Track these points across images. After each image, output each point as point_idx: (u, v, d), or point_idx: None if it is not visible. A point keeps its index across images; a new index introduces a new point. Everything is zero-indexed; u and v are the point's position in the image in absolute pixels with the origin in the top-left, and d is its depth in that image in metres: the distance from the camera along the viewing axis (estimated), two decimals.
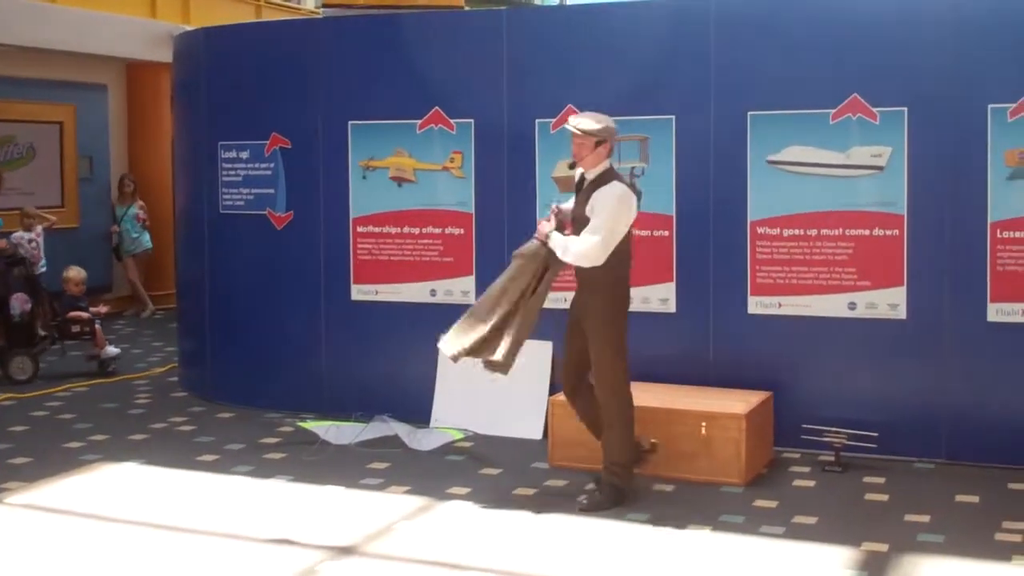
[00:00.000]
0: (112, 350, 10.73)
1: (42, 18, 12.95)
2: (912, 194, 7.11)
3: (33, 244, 12.19)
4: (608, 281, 6.30)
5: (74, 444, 7.87)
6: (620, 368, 6.35)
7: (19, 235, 12.15)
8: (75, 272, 10.78)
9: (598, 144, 6.29)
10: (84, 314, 10.54)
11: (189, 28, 12.49)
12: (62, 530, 6.06)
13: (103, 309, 11.05)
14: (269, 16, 16.61)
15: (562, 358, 6.67)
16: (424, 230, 8.28)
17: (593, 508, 6.25)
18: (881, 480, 6.77)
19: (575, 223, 6.39)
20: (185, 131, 9.73)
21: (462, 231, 8.19)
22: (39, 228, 12.44)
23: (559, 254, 6.28)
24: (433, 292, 8.25)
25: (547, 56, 7.97)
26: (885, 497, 6.46)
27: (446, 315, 8.08)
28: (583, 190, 6.39)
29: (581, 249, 6.22)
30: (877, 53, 7.17)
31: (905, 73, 7.13)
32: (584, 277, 6.37)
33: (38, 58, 13.40)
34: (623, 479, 6.39)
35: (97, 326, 10.58)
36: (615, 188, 6.25)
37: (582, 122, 6.32)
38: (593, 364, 6.37)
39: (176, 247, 10.43)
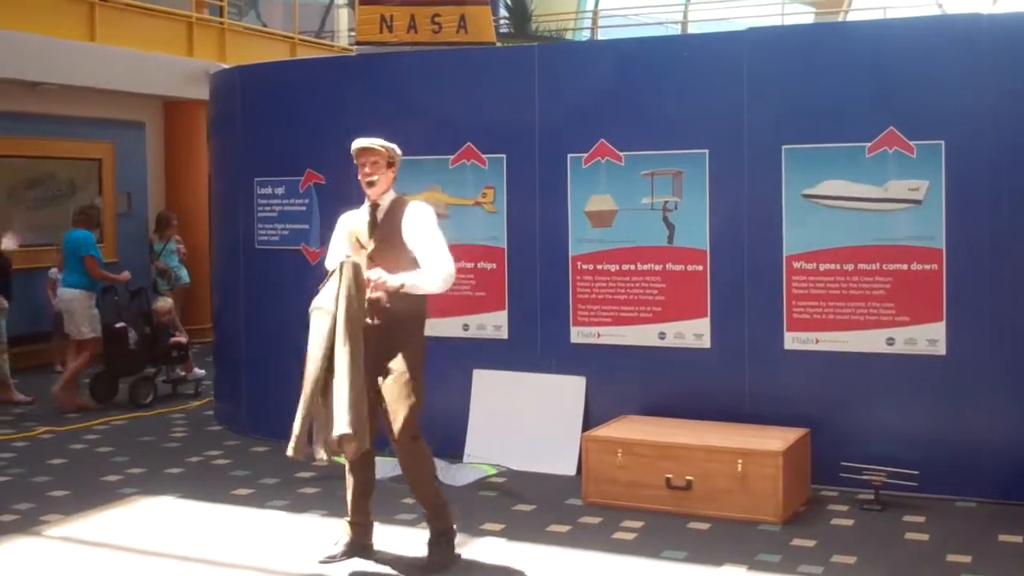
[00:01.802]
0: (199, 372, 11.54)
1: (81, 57, 13.12)
2: (950, 228, 7.05)
3: None
4: (421, 318, 5.93)
5: (112, 477, 7.90)
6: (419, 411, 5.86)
7: (55, 271, 12.23)
8: (162, 303, 11.52)
9: (389, 165, 5.88)
10: (183, 340, 11.28)
11: (225, 66, 12.59)
12: (99, 563, 6.08)
13: (184, 337, 11.57)
14: (303, 54, 16.75)
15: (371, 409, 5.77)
16: (456, 265, 8.23)
17: (436, 567, 5.84)
18: (921, 519, 6.68)
19: (382, 261, 5.77)
20: (221, 167, 9.80)
21: (494, 266, 8.19)
22: None
23: (422, 286, 5.71)
24: (466, 327, 8.24)
25: (579, 91, 7.98)
26: (926, 537, 6.38)
27: (479, 349, 8.12)
28: (380, 224, 5.85)
29: (444, 272, 5.73)
30: (914, 86, 7.13)
31: (942, 106, 7.08)
32: (396, 316, 5.75)
33: (77, 96, 13.57)
34: (450, 518, 5.98)
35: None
36: (425, 207, 5.89)
37: (375, 139, 5.88)
38: (395, 417, 5.77)
39: (212, 282, 10.49)
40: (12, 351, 11.00)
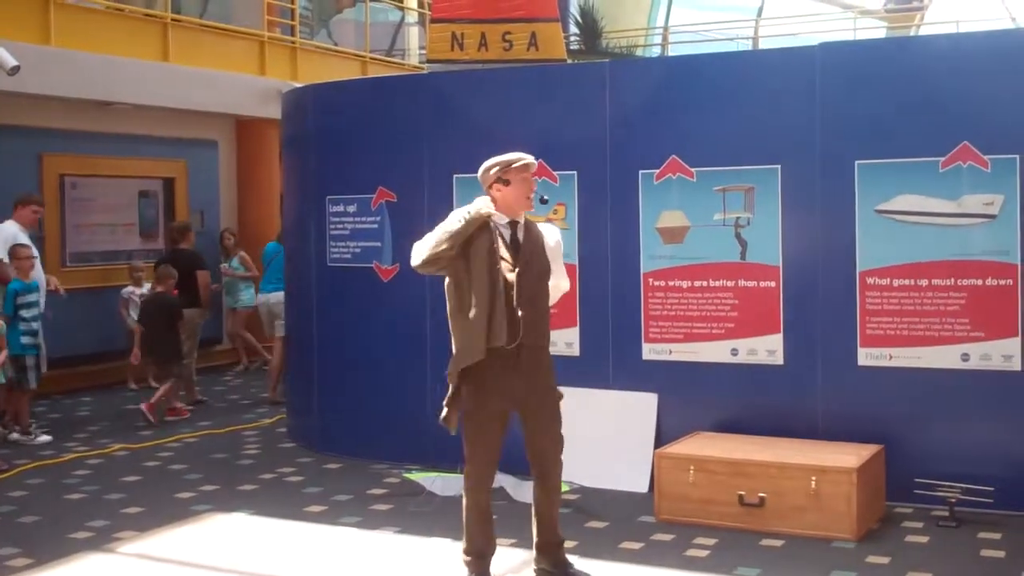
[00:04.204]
0: None
1: (154, 77, 13.26)
2: None
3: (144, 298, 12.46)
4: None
5: (185, 494, 7.98)
6: None
7: (129, 290, 12.43)
8: None
9: None
10: None
11: (297, 85, 12.72)
12: None
13: None
14: (374, 72, 16.86)
15: (488, 458, 5.81)
16: None
17: None
18: (997, 536, 6.58)
19: (527, 277, 5.69)
20: (293, 186, 9.90)
21: None
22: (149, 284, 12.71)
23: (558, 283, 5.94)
24: None
25: (650, 107, 7.98)
26: (1002, 553, 6.29)
27: None
28: (523, 242, 5.74)
29: (566, 287, 6.07)
30: (987, 100, 7.06)
31: (1016, 120, 7.00)
32: (537, 347, 5.78)
33: (150, 115, 13.72)
34: None
35: None
36: (554, 227, 6.06)
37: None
38: (556, 445, 5.84)
39: (285, 299, 10.58)
40: (87, 368, 11.14)
